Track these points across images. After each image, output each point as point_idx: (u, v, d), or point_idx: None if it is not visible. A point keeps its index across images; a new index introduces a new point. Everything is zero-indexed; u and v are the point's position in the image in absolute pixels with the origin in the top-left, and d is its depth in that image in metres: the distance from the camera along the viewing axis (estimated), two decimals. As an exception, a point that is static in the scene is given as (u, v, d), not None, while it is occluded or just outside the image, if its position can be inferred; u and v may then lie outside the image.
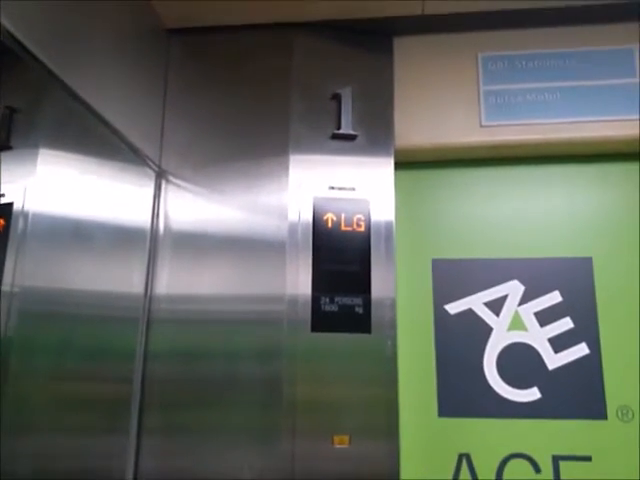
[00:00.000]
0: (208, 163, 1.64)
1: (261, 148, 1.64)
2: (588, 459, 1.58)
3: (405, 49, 1.77)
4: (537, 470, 1.58)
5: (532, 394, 1.64)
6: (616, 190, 1.74)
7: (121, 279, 1.47)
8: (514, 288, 1.71)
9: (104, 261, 1.38)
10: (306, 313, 1.50)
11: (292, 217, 1.56)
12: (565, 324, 1.67)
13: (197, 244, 1.59)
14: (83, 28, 1.26)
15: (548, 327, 1.68)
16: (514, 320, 1.69)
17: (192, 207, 1.62)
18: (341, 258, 1.54)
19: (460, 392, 1.65)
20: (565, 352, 1.65)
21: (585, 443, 1.59)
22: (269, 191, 1.60)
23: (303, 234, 1.55)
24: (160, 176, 1.63)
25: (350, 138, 1.64)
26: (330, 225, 1.56)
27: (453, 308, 1.72)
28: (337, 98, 1.66)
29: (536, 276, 1.71)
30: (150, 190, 1.60)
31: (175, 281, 1.57)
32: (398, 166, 1.67)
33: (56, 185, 1.18)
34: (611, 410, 1.60)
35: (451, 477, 1.60)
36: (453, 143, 1.72)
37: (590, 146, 1.70)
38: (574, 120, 1.69)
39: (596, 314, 1.66)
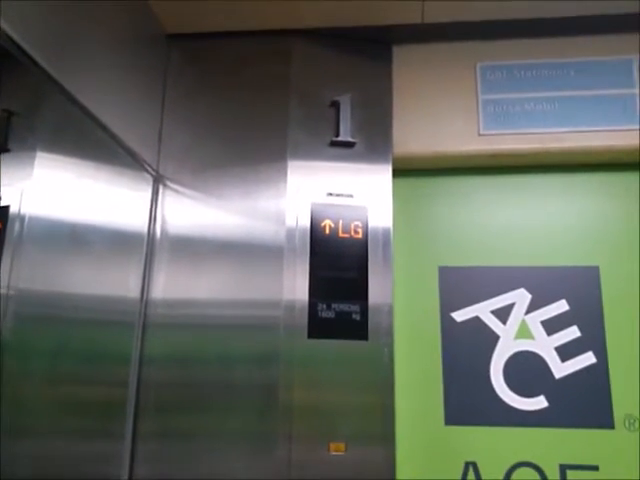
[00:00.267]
0: (206, 168, 1.64)
1: (259, 154, 1.64)
2: (595, 468, 1.57)
3: (404, 57, 1.78)
4: (544, 479, 1.58)
5: (539, 403, 1.63)
6: (620, 199, 1.75)
7: (117, 283, 1.46)
8: (521, 296, 1.71)
9: (101, 265, 1.38)
10: (303, 319, 1.49)
11: (290, 223, 1.56)
12: (572, 333, 1.67)
13: (194, 249, 1.58)
14: (83, 32, 1.26)
15: (555, 336, 1.68)
16: (521, 328, 1.69)
17: (189, 212, 1.61)
18: (338, 265, 1.53)
19: (467, 400, 1.65)
20: (572, 361, 1.66)
21: (592, 452, 1.59)
22: (267, 197, 1.60)
23: (300, 240, 1.55)
24: (157, 181, 1.63)
25: (348, 145, 1.64)
26: (328, 231, 1.56)
27: (460, 316, 1.72)
28: (336, 105, 1.67)
29: (543, 285, 1.71)
30: (147, 195, 1.60)
31: (172, 286, 1.56)
32: (396, 173, 1.66)
33: (53, 189, 1.18)
34: (618, 419, 1.60)
35: None
36: (451, 151, 1.72)
37: (588, 156, 1.71)
38: (572, 130, 1.70)
39: (603, 323, 1.66)
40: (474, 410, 1.64)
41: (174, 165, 1.65)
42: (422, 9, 1.61)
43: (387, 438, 1.45)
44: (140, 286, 1.54)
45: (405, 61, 1.77)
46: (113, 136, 1.38)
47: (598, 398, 1.62)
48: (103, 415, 1.39)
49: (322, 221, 1.56)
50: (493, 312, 1.71)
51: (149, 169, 1.58)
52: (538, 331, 1.68)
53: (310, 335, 1.48)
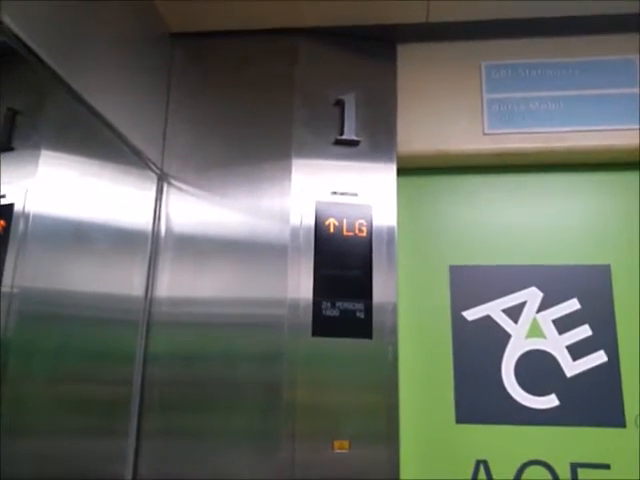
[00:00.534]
0: (210, 167, 1.64)
1: (264, 152, 1.64)
2: (606, 467, 1.57)
3: (409, 56, 1.78)
4: (555, 478, 1.58)
5: (550, 401, 1.63)
6: (630, 199, 1.75)
7: (122, 281, 1.46)
8: (532, 295, 1.71)
9: (105, 263, 1.38)
10: (307, 317, 1.49)
11: (294, 221, 1.56)
12: (583, 331, 1.67)
13: (198, 247, 1.58)
14: (88, 31, 1.26)
15: (566, 334, 1.68)
16: (532, 327, 1.69)
17: (194, 210, 1.61)
18: (343, 263, 1.53)
19: (478, 399, 1.65)
20: (583, 359, 1.65)
21: (603, 451, 1.58)
22: (271, 195, 1.60)
23: (305, 238, 1.54)
24: (162, 179, 1.63)
25: (353, 144, 1.64)
26: (332, 230, 1.55)
27: (471, 315, 1.72)
28: (340, 104, 1.67)
29: (554, 283, 1.71)
30: (152, 193, 1.60)
31: (176, 284, 1.56)
32: (400, 172, 1.67)
33: (57, 187, 1.18)
34: (629, 418, 1.60)
35: None
36: (456, 150, 1.72)
37: (594, 155, 1.71)
38: (577, 129, 1.70)
39: (614, 322, 1.66)
40: (485, 408, 1.64)
41: (178, 164, 1.65)
42: (427, 8, 1.61)
43: (391, 436, 1.44)
44: (144, 284, 1.54)
45: (410, 60, 1.77)
46: (118, 135, 1.38)
47: (609, 397, 1.62)
48: (107, 413, 1.39)
49: (326, 219, 1.56)
50: (504, 311, 1.71)
51: (153, 167, 1.58)
52: (549, 330, 1.68)
53: (314, 333, 1.48)
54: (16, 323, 1.04)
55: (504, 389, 1.65)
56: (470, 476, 1.60)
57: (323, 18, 1.66)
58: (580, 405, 1.62)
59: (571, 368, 1.65)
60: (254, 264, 1.54)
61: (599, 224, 1.74)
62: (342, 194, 1.59)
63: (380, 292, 1.52)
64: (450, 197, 1.82)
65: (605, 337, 1.66)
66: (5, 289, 1.02)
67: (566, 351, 1.66)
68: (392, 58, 1.76)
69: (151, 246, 1.57)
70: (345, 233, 1.56)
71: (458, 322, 1.71)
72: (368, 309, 1.50)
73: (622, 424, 1.59)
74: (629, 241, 1.71)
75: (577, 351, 1.66)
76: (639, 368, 1.62)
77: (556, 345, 1.67)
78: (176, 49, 1.75)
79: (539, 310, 1.70)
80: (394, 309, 1.52)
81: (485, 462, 1.60)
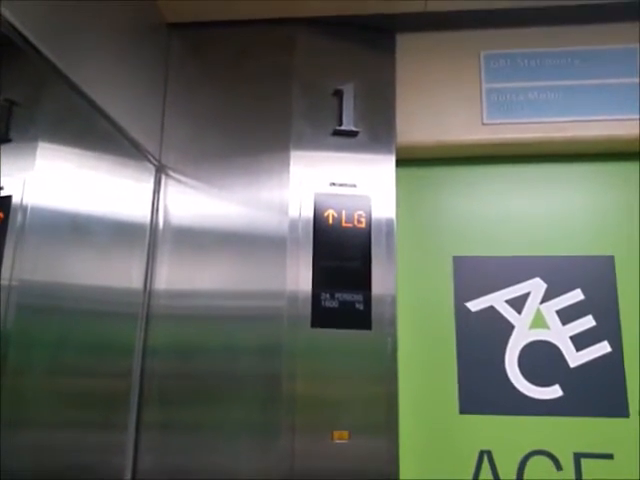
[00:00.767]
0: (209, 158, 1.63)
1: (262, 144, 1.63)
2: (610, 457, 1.58)
3: (407, 46, 1.76)
4: (558, 467, 1.59)
5: (554, 392, 1.64)
6: (633, 189, 1.74)
7: (120, 274, 1.46)
8: (536, 286, 1.72)
9: (103, 256, 1.37)
10: (306, 309, 1.49)
11: (293, 213, 1.56)
12: (587, 322, 1.68)
13: (197, 240, 1.58)
14: (85, 22, 1.25)
15: (570, 325, 1.68)
16: (536, 318, 1.70)
17: (192, 202, 1.61)
18: (342, 254, 1.53)
19: (481, 389, 1.66)
20: (587, 350, 1.66)
21: (606, 441, 1.59)
22: (270, 187, 1.60)
23: (304, 230, 1.54)
24: (160, 171, 1.62)
25: (351, 134, 1.64)
26: (331, 221, 1.55)
27: (474, 305, 1.72)
28: (339, 94, 1.66)
29: (558, 274, 1.71)
30: (150, 185, 1.59)
31: (175, 277, 1.56)
32: (399, 163, 1.66)
33: (55, 179, 1.18)
34: (633, 408, 1.60)
35: (472, 474, 1.60)
36: (454, 141, 1.71)
37: (593, 145, 1.71)
38: (575, 119, 1.69)
39: (618, 312, 1.67)
40: (489, 399, 1.65)
41: (176, 155, 1.65)
42: (425, -3, 1.60)
43: (390, 427, 1.45)
44: (143, 277, 1.54)
45: (409, 50, 1.76)
46: (116, 126, 1.37)
47: (613, 387, 1.62)
48: (107, 406, 1.39)
49: (325, 211, 1.56)
50: (508, 302, 1.71)
51: (151, 159, 1.58)
52: (553, 320, 1.69)
53: (313, 325, 1.48)
54: (15, 316, 1.03)
55: (508, 380, 1.66)
56: (474, 466, 1.61)
57: (321, 8, 1.65)
58: (583, 395, 1.63)
59: (574, 359, 1.66)
60: (253, 256, 1.54)
61: (603, 215, 1.74)
62: (341, 185, 1.59)
63: (379, 283, 1.52)
64: (450, 188, 1.81)
65: (609, 328, 1.66)
66: (3, 282, 1.01)
67: (570, 342, 1.67)
68: (391, 48, 1.75)
69: (149, 238, 1.57)
70: (344, 224, 1.55)
71: (462, 313, 1.72)
72: (367, 300, 1.50)
73: (625, 414, 1.60)
74: (633, 232, 1.71)
75: (581, 342, 1.66)
76: (642, 359, 1.63)
77: (560, 336, 1.67)
78: (173, 39, 1.73)
79: (543, 301, 1.70)
80: (393, 300, 1.52)
81: (489, 452, 1.61)
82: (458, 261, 1.75)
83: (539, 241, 1.74)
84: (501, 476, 1.59)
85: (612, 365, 1.64)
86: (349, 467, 1.42)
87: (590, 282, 1.70)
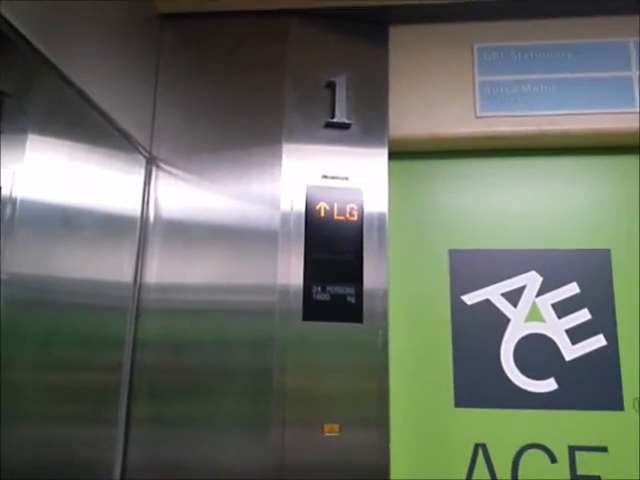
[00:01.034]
0: (200, 151, 1.62)
1: (254, 136, 1.62)
2: (604, 450, 1.58)
3: (401, 38, 1.75)
4: (553, 460, 1.59)
5: (549, 385, 1.64)
6: (627, 183, 1.74)
7: (111, 267, 1.45)
8: (532, 279, 1.71)
9: (93, 249, 1.36)
10: (297, 303, 1.48)
11: (284, 206, 1.55)
12: (583, 315, 1.68)
13: (188, 233, 1.57)
14: (76, 11, 1.24)
15: (565, 318, 1.68)
16: (532, 311, 1.70)
17: (183, 195, 1.60)
18: (333, 247, 1.52)
19: (477, 383, 1.66)
20: (582, 343, 1.66)
21: (601, 434, 1.59)
22: (262, 180, 1.59)
23: (295, 223, 1.53)
24: (150, 162, 1.61)
25: (344, 127, 1.63)
26: (323, 214, 1.54)
27: (470, 299, 1.71)
28: (331, 86, 1.65)
29: (554, 267, 1.71)
30: (140, 177, 1.58)
31: (165, 270, 1.55)
32: (392, 156, 1.65)
33: (45, 172, 1.16)
34: (627, 401, 1.61)
35: (467, 467, 1.61)
36: (448, 133, 1.70)
37: (585, 138, 1.70)
38: (569, 112, 1.68)
39: (613, 306, 1.67)
40: (484, 392, 1.65)
41: (167, 147, 1.63)
42: (419, -11, 1.60)
43: (381, 420, 1.45)
44: (133, 270, 1.53)
45: (402, 42, 1.75)
46: (107, 118, 1.36)
47: (608, 380, 1.62)
48: (96, 400, 1.38)
49: (317, 203, 1.55)
50: (504, 295, 1.71)
51: (142, 151, 1.56)
52: (549, 314, 1.69)
53: (305, 318, 1.47)
54: (3, 309, 1.03)
55: (503, 373, 1.66)
56: (469, 459, 1.61)
57: (314, -1, 1.64)
58: (579, 389, 1.63)
59: (570, 352, 1.66)
60: (244, 250, 1.53)
61: (598, 208, 1.74)
62: (333, 178, 1.58)
63: (371, 276, 1.51)
64: (444, 181, 1.81)
65: (604, 321, 1.66)
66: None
67: (565, 335, 1.67)
68: (384, 40, 1.74)
69: (140, 231, 1.56)
70: (336, 217, 1.55)
71: (457, 306, 1.71)
72: (359, 293, 1.50)
73: (620, 407, 1.60)
74: (629, 226, 1.71)
75: (576, 335, 1.66)
76: (637, 352, 1.63)
77: (555, 329, 1.67)
78: (165, 30, 1.72)
79: (538, 294, 1.70)
80: (385, 293, 1.51)
81: (484, 445, 1.62)
82: (454, 254, 1.75)
83: (535, 234, 1.74)
84: (496, 469, 1.60)
85: (607, 358, 1.64)
86: (339, 460, 1.41)
87: (586, 275, 1.70)
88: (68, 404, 1.27)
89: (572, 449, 1.59)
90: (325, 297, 1.48)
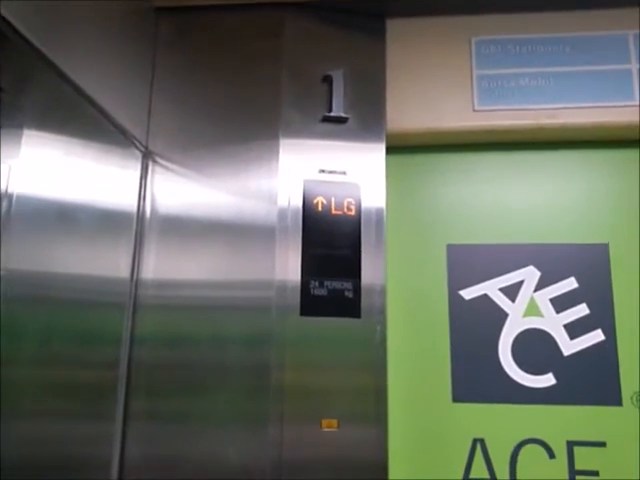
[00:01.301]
0: (197, 146, 1.61)
1: (251, 131, 1.61)
2: (602, 445, 1.58)
3: (398, 31, 1.74)
4: (551, 455, 1.59)
5: (547, 380, 1.64)
6: (626, 177, 1.73)
7: (107, 263, 1.44)
8: (530, 274, 1.71)
9: (90, 244, 1.36)
10: (295, 298, 1.48)
11: (282, 202, 1.54)
12: (581, 310, 1.67)
13: (184, 228, 1.56)
14: (72, 6, 1.23)
15: (564, 313, 1.67)
16: (530, 306, 1.69)
17: (180, 190, 1.59)
18: (331, 242, 1.52)
19: (475, 378, 1.66)
20: (580, 338, 1.65)
21: (600, 429, 1.59)
22: (259, 175, 1.58)
23: (293, 218, 1.53)
24: (147, 157, 1.60)
25: (341, 121, 1.62)
26: (320, 209, 1.54)
27: (468, 294, 1.71)
28: (328, 80, 1.64)
29: (552, 262, 1.71)
30: (137, 172, 1.57)
31: (162, 266, 1.54)
32: (390, 150, 1.64)
33: (41, 167, 1.16)
34: (626, 396, 1.60)
35: (465, 462, 1.60)
36: (445, 127, 1.70)
37: (583, 132, 1.69)
38: (568, 106, 1.68)
39: (612, 300, 1.66)
40: (482, 387, 1.65)
41: (164, 142, 1.62)
42: (416, -19, 1.59)
43: (379, 415, 1.44)
44: (130, 266, 1.52)
45: (399, 35, 1.74)
46: (103, 113, 1.35)
47: (606, 375, 1.62)
48: (94, 396, 1.38)
49: (314, 198, 1.54)
50: (502, 290, 1.70)
51: (138, 145, 1.56)
52: (547, 309, 1.68)
53: (302, 313, 1.47)
54: (1, 305, 1.02)
55: (501, 368, 1.65)
56: (467, 454, 1.61)
57: (311, -8, 1.63)
58: (577, 384, 1.62)
59: (568, 347, 1.65)
60: (241, 246, 1.53)
61: (597, 203, 1.73)
62: (330, 172, 1.57)
63: (369, 271, 1.51)
64: (442, 175, 1.80)
65: (602, 316, 1.66)
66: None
67: (563, 330, 1.66)
68: (381, 33, 1.73)
69: (136, 227, 1.55)
70: (333, 212, 1.54)
71: (455, 301, 1.71)
72: (357, 288, 1.49)
73: (618, 402, 1.60)
74: (627, 220, 1.70)
75: (574, 330, 1.66)
76: (636, 347, 1.62)
77: (553, 324, 1.67)
78: (161, 24, 1.70)
79: (536, 289, 1.70)
80: (383, 288, 1.51)
81: (482, 440, 1.61)
82: (452, 249, 1.74)
83: (533, 229, 1.73)
84: (494, 464, 1.59)
85: (606, 353, 1.63)
86: (338, 455, 1.41)
87: (584, 270, 1.69)
88: (65, 400, 1.27)
89: (570, 444, 1.59)
90: (323, 292, 1.48)
